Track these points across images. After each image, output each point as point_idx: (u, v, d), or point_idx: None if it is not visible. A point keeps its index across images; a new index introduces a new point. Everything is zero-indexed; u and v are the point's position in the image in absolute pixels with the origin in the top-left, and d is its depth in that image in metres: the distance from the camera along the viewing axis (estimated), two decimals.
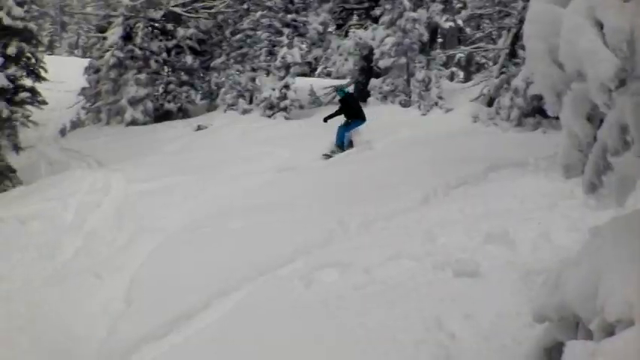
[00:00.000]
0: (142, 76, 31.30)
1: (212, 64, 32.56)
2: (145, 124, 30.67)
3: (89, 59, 37.64)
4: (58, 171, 20.76)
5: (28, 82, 23.71)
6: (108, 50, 32.48)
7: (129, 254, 9.10)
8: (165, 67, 33.59)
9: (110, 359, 5.94)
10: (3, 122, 22.03)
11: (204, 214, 11.13)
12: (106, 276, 8.11)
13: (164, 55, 32.86)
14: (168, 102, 32.65)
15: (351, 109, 17.99)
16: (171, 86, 32.92)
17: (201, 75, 34.76)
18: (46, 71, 24.42)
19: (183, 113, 32.81)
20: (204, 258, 8.29)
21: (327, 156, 17.02)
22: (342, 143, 17.72)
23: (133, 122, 30.66)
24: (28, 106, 23.32)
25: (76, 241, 9.99)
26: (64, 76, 38.45)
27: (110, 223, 11.18)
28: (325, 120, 18.26)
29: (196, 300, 6.81)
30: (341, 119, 18.08)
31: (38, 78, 24.19)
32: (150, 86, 31.82)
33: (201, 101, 35.49)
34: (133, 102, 30.98)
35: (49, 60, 26.62)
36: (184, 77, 33.29)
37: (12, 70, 22.42)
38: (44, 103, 24.09)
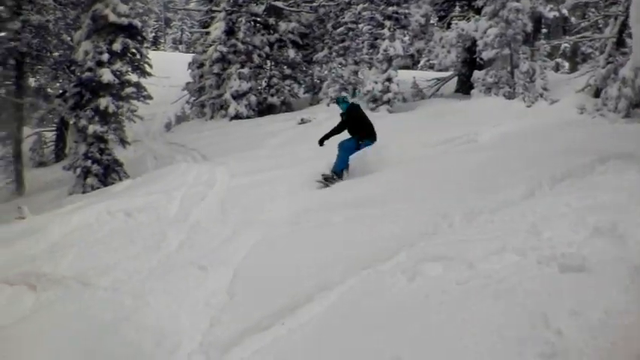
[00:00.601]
0: (245, 71, 31.81)
1: (314, 58, 32.89)
2: (248, 117, 31.23)
3: (193, 54, 38.62)
4: (164, 164, 21.32)
5: (133, 77, 24.40)
6: (211, 45, 33.17)
7: (232, 247, 9.21)
8: (268, 61, 34.17)
9: (213, 351, 6.01)
10: (110, 117, 22.74)
11: (308, 207, 11.20)
12: (210, 268, 8.22)
13: (267, 49, 33.38)
14: (272, 96, 33.15)
15: (357, 123, 14.16)
16: (274, 80, 33.41)
17: (304, 68, 35.18)
18: (150, 67, 25.05)
19: (286, 107, 33.33)
20: (307, 251, 8.33)
21: (322, 184, 13.76)
22: (342, 171, 14.09)
23: (237, 116, 31.24)
24: (134, 101, 24.03)
25: (181, 233, 10.20)
26: (168, 71, 39.29)
27: (214, 216, 11.38)
28: (321, 142, 14.59)
29: (299, 293, 6.83)
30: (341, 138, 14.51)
31: (143, 73, 24.84)
32: (253, 80, 32.39)
33: (304, 95, 35.96)
34: (237, 96, 31.52)
35: (153, 56, 27.27)
36: (287, 71, 33.80)
37: (117, 65, 23.09)
38: (149, 98, 24.72)
